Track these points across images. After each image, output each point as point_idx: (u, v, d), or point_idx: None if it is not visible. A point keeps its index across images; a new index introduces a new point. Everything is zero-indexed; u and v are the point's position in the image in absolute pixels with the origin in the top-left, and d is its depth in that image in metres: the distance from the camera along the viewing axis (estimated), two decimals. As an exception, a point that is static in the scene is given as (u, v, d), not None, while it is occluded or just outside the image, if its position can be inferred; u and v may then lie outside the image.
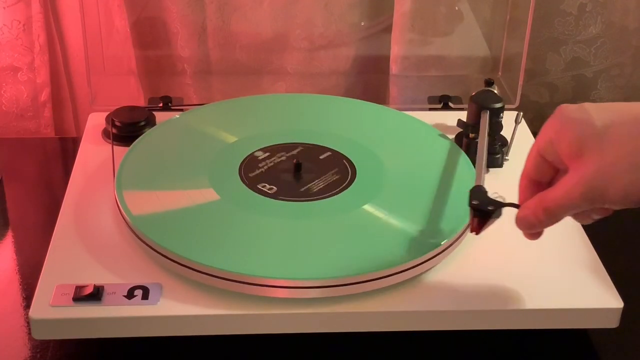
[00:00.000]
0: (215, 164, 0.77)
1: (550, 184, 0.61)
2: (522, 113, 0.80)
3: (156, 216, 0.70)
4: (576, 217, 0.61)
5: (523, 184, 0.62)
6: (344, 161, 0.78)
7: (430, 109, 0.96)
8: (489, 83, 0.83)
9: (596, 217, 0.60)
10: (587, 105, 0.57)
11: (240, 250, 0.66)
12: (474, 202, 0.64)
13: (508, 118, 0.81)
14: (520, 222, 0.60)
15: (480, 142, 0.76)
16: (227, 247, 0.66)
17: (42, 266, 0.67)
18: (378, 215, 0.71)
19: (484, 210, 0.63)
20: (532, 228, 0.60)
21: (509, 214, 0.62)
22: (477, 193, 0.65)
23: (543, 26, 1.02)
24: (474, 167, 0.77)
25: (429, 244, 0.66)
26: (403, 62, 1.01)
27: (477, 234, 0.64)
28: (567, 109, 0.57)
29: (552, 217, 0.58)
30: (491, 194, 0.65)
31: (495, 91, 0.82)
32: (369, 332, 0.65)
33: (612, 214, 0.60)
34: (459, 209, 0.68)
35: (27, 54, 0.99)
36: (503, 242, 0.71)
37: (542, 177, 0.61)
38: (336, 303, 0.64)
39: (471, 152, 0.79)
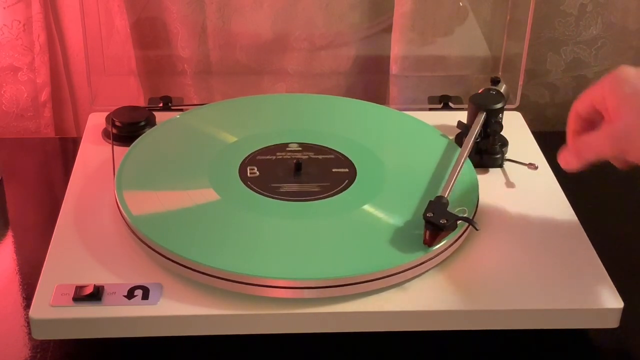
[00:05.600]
0: (215, 164, 0.77)
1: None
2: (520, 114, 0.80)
3: (156, 216, 0.70)
4: (613, 160, 0.67)
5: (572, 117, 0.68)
6: (344, 161, 0.78)
7: (431, 109, 0.96)
8: (495, 82, 0.82)
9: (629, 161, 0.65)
10: None
11: (240, 250, 0.66)
12: (428, 215, 0.65)
13: (508, 118, 0.81)
14: (560, 159, 0.67)
15: (464, 146, 0.75)
16: (227, 247, 0.66)
17: (42, 266, 0.67)
18: (378, 215, 0.71)
19: (436, 224, 0.64)
20: (568, 165, 0.66)
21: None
22: (436, 205, 0.66)
23: (543, 27, 1.02)
24: (474, 167, 0.77)
25: (429, 244, 0.66)
26: (403, 62, 1.01)
27: (429, 246, 0.65)
28: (625, 69, 0.64)
29: (582, 156, 0.65)
30: (456, 207, 0.66)
31: (502, 89, 0.81)
32: (369, 332, 0.65)
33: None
34: (459, 209, 0.68)
35: (27, 54, 0.99)
36: (503, 243, 0.71)
37: (589, 116, 0.67)
38: (336, 303, 0.64)
39: (471, 153, 0.78)
